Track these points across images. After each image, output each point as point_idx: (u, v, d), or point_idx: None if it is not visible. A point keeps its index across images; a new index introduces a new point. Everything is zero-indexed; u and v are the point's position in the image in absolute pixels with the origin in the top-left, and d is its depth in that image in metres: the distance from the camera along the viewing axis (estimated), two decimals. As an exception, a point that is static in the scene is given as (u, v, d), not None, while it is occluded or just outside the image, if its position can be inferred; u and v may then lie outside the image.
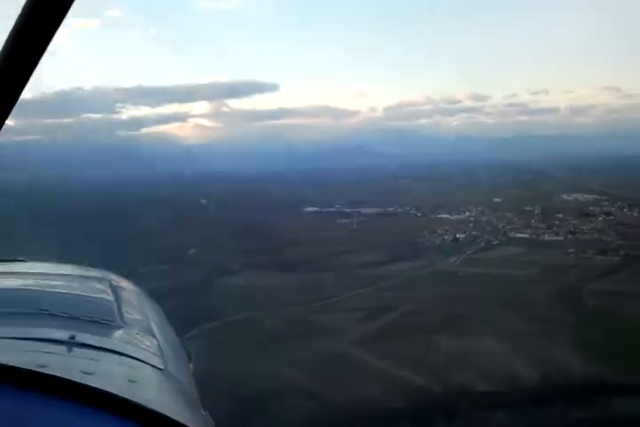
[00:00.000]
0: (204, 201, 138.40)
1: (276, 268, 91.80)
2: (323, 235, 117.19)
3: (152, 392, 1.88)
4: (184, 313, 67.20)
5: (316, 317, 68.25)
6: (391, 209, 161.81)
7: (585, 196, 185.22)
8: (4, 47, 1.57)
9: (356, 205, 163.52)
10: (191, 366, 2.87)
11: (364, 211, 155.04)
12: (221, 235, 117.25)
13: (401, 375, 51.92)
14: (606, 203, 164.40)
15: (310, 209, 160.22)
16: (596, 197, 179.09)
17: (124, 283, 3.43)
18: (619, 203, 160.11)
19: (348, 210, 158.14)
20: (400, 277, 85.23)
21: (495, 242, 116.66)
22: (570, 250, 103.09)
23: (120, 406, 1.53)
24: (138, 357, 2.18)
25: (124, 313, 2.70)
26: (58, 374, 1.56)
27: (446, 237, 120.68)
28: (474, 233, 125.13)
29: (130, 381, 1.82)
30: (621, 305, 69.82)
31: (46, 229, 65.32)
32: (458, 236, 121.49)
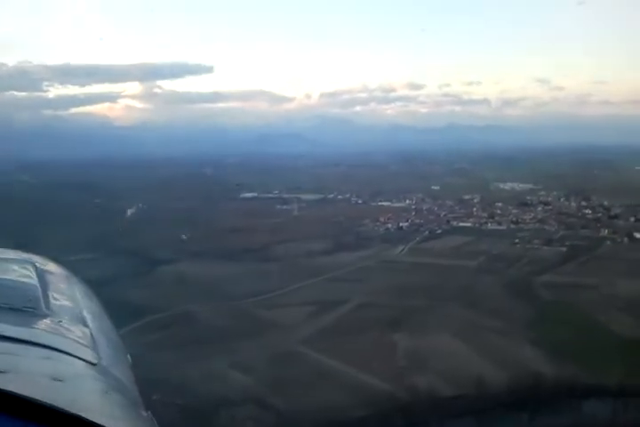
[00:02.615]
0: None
1: (215, 258, 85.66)
2: (263, 222, 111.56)
3: (82, 393, 1.63)
4: (115, 308, 60.88)
5: (262, 312, 62.87)
6: (331, 196, 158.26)
7: (520, 185, 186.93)
8: None
9: (295, 191, 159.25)
10: (130, 358, 2.50)
11: (304, 197, 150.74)
12: (156, 222, 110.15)
13: (358, 378, 47.35)
14: (543, 192, 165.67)
15: (248, 195, 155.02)
16: (532, 186, 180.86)
17: (52, 266, 3.02)
18: (555, 192, 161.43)
19: (286, 196, 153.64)
20: (347, 268, 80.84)
21: (439, 231, 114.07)
22: (515, 240, 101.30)
23: (38, 414, 1.29)
24: (66, 350, 1.89)
25: (51, 300, 2.37)
26: None
27: (389, 226, 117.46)
28: (417, 221, 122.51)
29: (54, 379, 1.57)
30: (576, 298, 67.59)
31: None
32: (401, 224, 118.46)
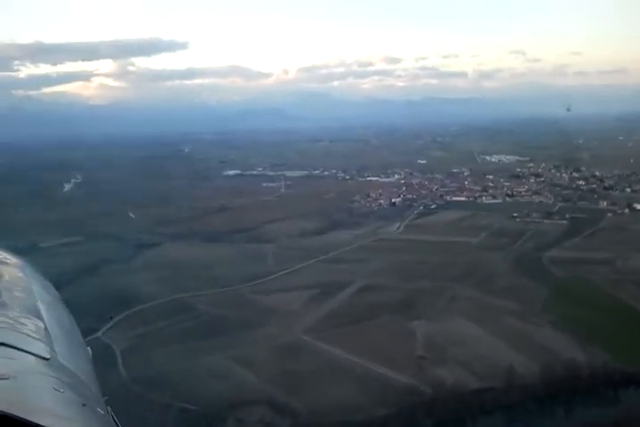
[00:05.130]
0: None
1: (204, 239, 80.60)
2: (251, 200, 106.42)
3: (30, 391, 1.51)
4: (99, 297, 55.93)
5: (260, 298, 58.11)
6: (317, 172, 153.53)
7: (507, 157, 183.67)
8: None
9: (279, 167, 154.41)
10: (90, 351, 2.41)
11: (289, 174, 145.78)
12: (139, 202, 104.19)
13: (375, 371, 43.03)
14: (531, 164, 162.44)
15: (231, 172, 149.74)
16: (519, 158, 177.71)
17: (6, 255, 2.85)
18: (543, 164, 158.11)
19: (271, 173, 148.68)
20: (344, 248, 76.25)
21: (433, 206, 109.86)
22: (514, 214, 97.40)
23: None
24: (15, 344, 1.74)
25: (2, 291, 2.30)
26: None
27: (382, 202, 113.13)
28: (409, 196, 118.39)
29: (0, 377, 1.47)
30: (592, 274, 63.88)
31: None
32: (393, 200, 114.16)
